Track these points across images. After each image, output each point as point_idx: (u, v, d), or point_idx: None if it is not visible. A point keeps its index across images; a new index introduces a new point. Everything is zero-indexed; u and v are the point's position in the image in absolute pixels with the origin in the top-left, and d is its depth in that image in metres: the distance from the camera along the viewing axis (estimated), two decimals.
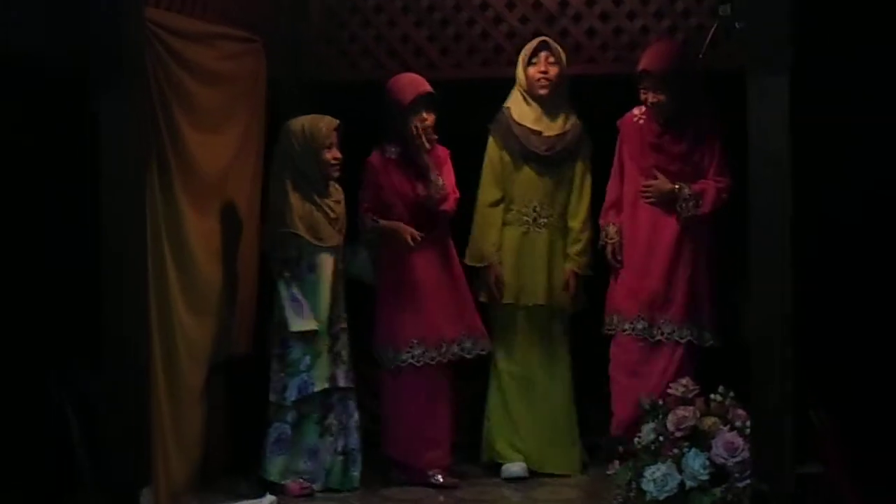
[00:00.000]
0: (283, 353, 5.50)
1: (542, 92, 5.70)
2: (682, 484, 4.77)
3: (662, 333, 5.53)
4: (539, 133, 5.73)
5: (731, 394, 4.90)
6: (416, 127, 5.57)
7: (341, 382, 5.57)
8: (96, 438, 4.89)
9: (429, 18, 6.36)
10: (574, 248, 5.78)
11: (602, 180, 5.78)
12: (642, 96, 5.57)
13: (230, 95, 5.71)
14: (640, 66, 5.52)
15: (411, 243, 5.54)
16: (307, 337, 5.46)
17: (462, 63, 6.34)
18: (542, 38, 5.81)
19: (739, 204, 4.77)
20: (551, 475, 5.74)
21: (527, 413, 5.81)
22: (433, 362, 5.61)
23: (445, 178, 5.65)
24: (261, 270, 5.86)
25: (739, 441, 4.73)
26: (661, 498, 4.78)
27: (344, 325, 5.65)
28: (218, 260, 5.61)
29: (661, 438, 4.89)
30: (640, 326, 5.56)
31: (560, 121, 5.76)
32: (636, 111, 5.67)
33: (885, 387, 5.00)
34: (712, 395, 4.94)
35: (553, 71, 5.69)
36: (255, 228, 5.88)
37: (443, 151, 5.75)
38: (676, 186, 5.52)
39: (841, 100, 5.17)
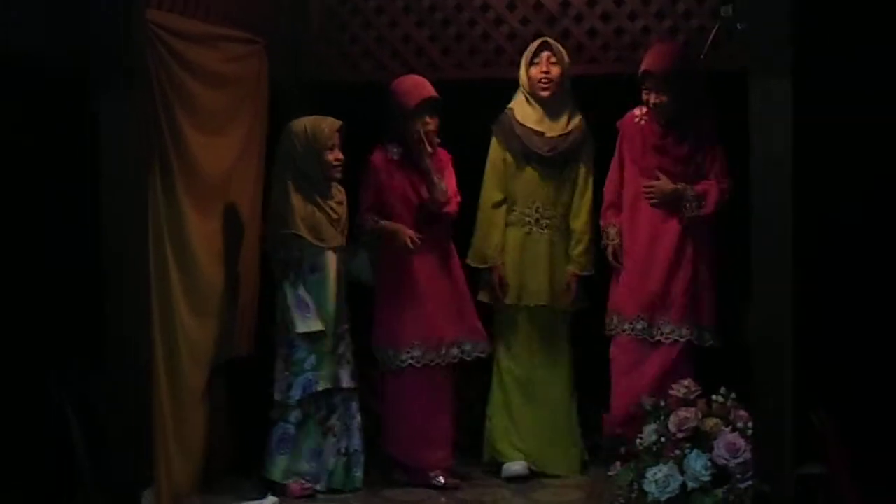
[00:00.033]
0: (288, 353, 5.50)
1: (544, 94, 5.70)
2: (683, 485, 4.77)
3: (662, 333, 5.53)
4: (541, 134, 5.72)
5: (733, 395, 4.90)
6: (419, 131, 5.56)
7: (345, 383, 5.57)
8: (96, 439, 4.90)
9: (430, 19, 6.37)
10: (576, 250, 5.78)
11: (603, 180, 5.78)
12: (644, 97, 5.58)
13: (233, 97, 5.71)
14: (643, 68, 5.53)
15: (410, 246, 5.54)
16: (313, 337, 5.46)
17: (463, 64, 6.35)
18: (544, 38, 5.81)
19: (740, 204, 4.76)
20: (552, 476, 5.73)
21: (527, 413, 5.80)
22: (432, 364, 5.61)
23: (447, 183, 5.65)
24: (262, 272, 5.87)
25: (741, 442, 4.73)
26: (663, 499, 4.79)
27: (346, 325, 5.65)
28: (220, 261, 5.62)
29: (662, 439, 4.89)
30: (639, 327, 5.56)
31: (563, 121, 5.75)
32: (637, 111, 5.67)
33: (885, 387, 5.00)
34: (714, 397, 4.95)
35: (555, 71, 5.69)
36: (256, 230, 5.89)
37: (444, 155, 5.74)
38: (680, 187, 5.53)
39: (841, 100, 5.17)
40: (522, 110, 5.77)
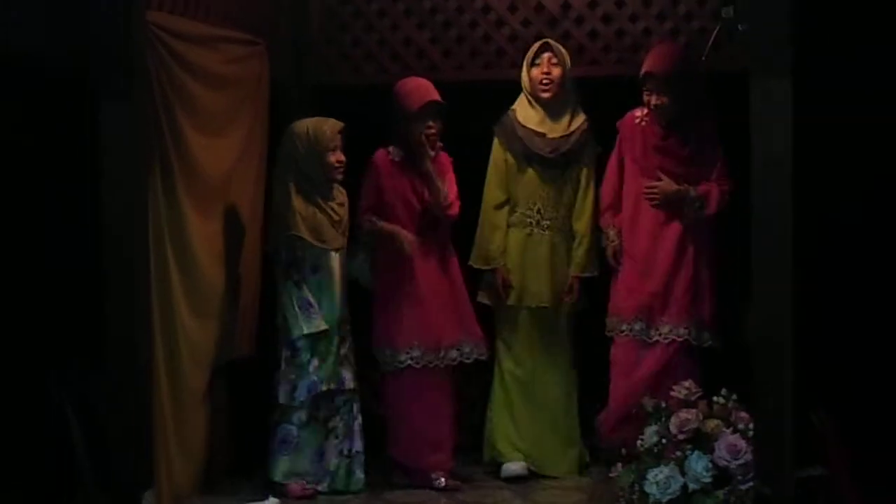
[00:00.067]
0: (291, 355, 5.50)
1: (545, 95, 5.70)
2: (684, 486, 4.76)
3: (660, 334, 5.53)
4: (543, 135, 5.72)
5: (734, 396, 4.90)
6: (422, 134, 5.56)
7: (347, 384, 5.57)
8: (97, 439, 4.90)
9: (431, 21, 6.37)
10: (579, 251, 5.78)
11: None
12: (645, 99, 5.58)
13: (233, 98, 5.72)
14: (644, 69, 5.53)
15: (407, 249, 5.53)
16: (317, 338, 5.46)
17: (464, 65, 6.36)
18: (545, 39, 5.82)
19: (740, 205, 4.76)
20: (552, 477, 5.73)
21: (528, 414, 5.80)
22: (431, 366, 5.61)
23: (448, 187, 5.64)
24: (263, 273, 5.87)
25: (742, 443, 4.72)
26: (664, 500, 4.78)
27: (348, 326, 5.65)
28: (221, 263, 5.62)
29: (663, 441, 4.88)
30: (637, 328, 5.56)
31: (564, 123, 5.75)
32: (637, 112, 5.67)
33: (886, 387, 4.99)
34: (715, 398, 4.94)
35: (556, 72, 5.69)
36: (257, 231, 5.90)
37: (446, 159, 5.74)
38: (682, 188, 5.52)
39: (841, 100, 5.16)
40: (524, 112, 5.77)
